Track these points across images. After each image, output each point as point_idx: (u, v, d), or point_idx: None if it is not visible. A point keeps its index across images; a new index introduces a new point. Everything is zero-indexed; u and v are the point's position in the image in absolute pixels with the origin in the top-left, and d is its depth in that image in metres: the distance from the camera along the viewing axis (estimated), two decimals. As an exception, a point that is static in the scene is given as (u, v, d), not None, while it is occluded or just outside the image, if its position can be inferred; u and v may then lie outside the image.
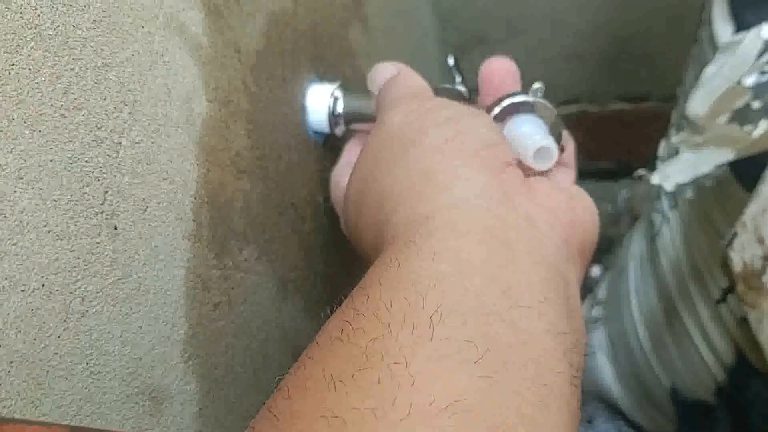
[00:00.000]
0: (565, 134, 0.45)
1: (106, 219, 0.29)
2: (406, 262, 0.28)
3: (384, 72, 0.46)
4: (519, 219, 0.32)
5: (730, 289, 0.69)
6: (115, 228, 0.30)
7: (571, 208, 0.35)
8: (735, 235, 0.52)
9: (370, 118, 0.50)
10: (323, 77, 0.53)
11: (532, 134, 0.39)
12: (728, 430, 0.84)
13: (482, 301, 0.27)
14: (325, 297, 0.53)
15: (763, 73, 0.53)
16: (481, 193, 0.32)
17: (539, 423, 0.25)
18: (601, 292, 1.15)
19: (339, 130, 0.50)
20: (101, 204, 0.29)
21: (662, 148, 0.87)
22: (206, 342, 0.36)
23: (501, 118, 0.42)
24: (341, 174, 0.47)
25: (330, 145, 0.53)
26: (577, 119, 1.27)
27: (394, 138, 0.38)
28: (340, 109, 0.49)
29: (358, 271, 0.58)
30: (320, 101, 0.49)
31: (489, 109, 0.42)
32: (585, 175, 1.44)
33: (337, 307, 0.29)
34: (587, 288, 1.25)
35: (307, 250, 0.49)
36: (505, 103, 0.42)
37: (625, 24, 1.06)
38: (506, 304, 0.27)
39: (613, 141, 1.30)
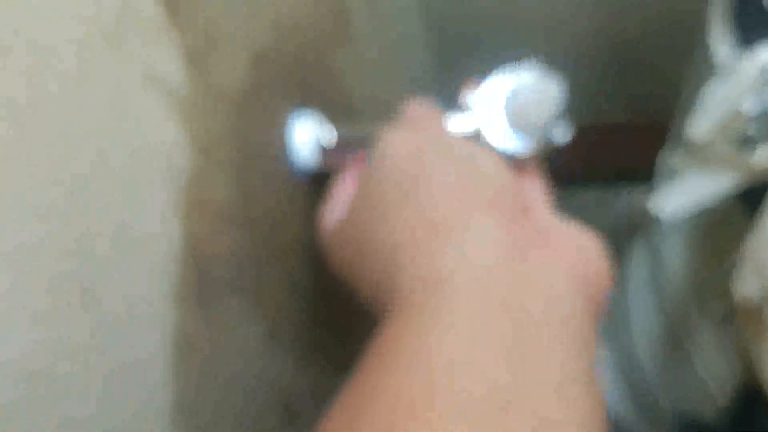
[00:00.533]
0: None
1: (85, 293, 0.29)
2: (419, 340, 0.28)
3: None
4: (537, 281, 0.31)
5: (732, 313, 0.69)
6: (95, 298, 0.29)
7: (585, 257, 0.34)
8: (735, 267, 0.52)
9: (359, 149, 0.50)
10: (309, 110, 0.53)
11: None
12: (733, 453, 0.84)
13: (501, 391, 0.26)
14: (315, 343, 0.53)
15: (762, 98, 0.53)
16: (497, 249, 0.31)
17: None
18: (602, 306, 1.16)
19: (328, 165, 0.50)
20: (80, 277, 0.28)
21: (661, 163, 0.87)
22: (194, 404, 0.36)
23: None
24: (331, 212, 0.47)
25: (319, 182, 0.53)
26: (575, 130, 1.27)
27: (395, 175, 0.37)
28: (327, 142, 0.49)
29: (349, 313, 0.58)
30: (306, 137, 0.49)
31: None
32: (585, 185, 1.45)
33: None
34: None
35: (297, 295, 0.49)
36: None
37: (623, 30, 1.06)
38: (526, 392, 0.26)
39: (612, 153, 1.31)
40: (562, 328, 0.30)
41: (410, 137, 0.39)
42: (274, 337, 0.46)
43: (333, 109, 0.59)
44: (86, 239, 0.29)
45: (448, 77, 1.18)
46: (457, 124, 0.46)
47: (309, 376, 0.51)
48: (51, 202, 0.27)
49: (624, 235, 1.35)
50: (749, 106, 0.52)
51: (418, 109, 0.42)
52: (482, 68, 1.17)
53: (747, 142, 0.53)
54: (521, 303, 0.29)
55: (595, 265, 0.34)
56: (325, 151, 0.50)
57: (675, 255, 0.80)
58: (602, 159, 1.32)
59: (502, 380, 0.26)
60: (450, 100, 1.18)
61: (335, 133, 0.49)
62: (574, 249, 0.34)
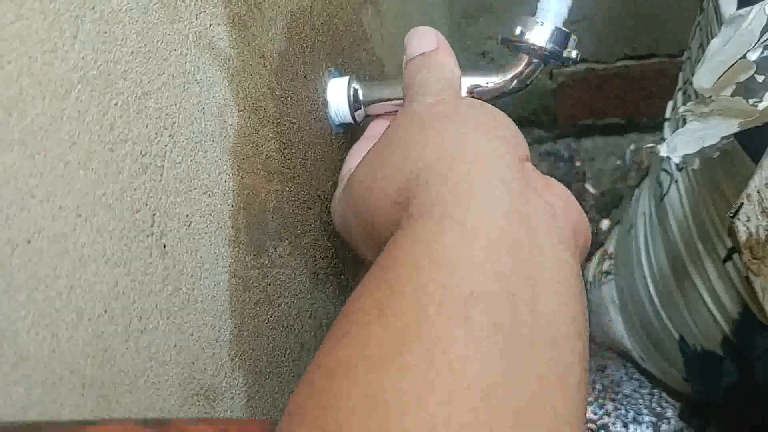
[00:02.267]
0: None
1: (156, 240, 0.30)
2: (440, 240, 0.28)
3: (421, 40, 0.44)
4: (540, 203, 0.32)
5: (735, 250, 0.70)
6: (164, 247, 0.31)
7: (576, 209, 0.35)
8: (741, 205, 0.52)
9: (389, 107, 0.51)
10: (341, 68, 0.53)
11: None
12: (734, 379, 0.86)
13: (510, 284, 0.27)
14: (353, 282, 0.54)
15: (767, 47, 0.53)
16: (511, 172, 0.32)
17: (559, 401, 0.26)
18: (611, 246, 1.16)
19: (360, 119, 0.51)
20: (151, 227, 0.30)
21: (669, 111, 0.86)
22: (249, 338, 0.38)
23: None
24: (357, 150, 0.47)
25: (351, 135, 0.54)
26: (584, 77, 1.26)
27: (424, 114, 0.37)
28: (360, 98, 0.50)
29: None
30: (340, 94, 0.50)
31: None
32: (593, 131, 1.44)
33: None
34: (597, 243, 1.27)
35: (334, 238, 0.51)
36: None
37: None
38: (530, 288, 0.28)
39: (620, 97, 1.30)
40: (560, 245, 0.31)
41: (439, 96, 0.39)
42: (316, 277, 0.47)
43: (363, 68, 0.59)
44: (156, 192, 0.30)
45: (468, 39, 1.18)
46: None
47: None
48: (123, 158, 0.28)
49: (632, 179, 1.34)
50: (756, 54, 0.51)
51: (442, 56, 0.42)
52: (498, 29, 1.16)
53: (754, 90, 0.53)
54: (529, 219, 0.30)
55: (581, 217, 0.35)
56: (357, 108, 0.50)
57: (681, 197, 0.81)
58: (612, 104, 1.31)
59: (513, 280, 0.27)
60: (469, 56, 1.18)
61: (366, 90, 0.50)
62: (567, 198, 0.35)
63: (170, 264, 0.31)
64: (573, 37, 0.46)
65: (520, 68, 0.46)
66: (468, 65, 1.17)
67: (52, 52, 0.25)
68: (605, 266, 1.15)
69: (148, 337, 0.29)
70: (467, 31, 1.13)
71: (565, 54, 0.46)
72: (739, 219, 0.52)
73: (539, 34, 0.45)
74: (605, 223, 1.29)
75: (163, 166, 0.31)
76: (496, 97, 0.46)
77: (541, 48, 0.45)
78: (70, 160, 0.26)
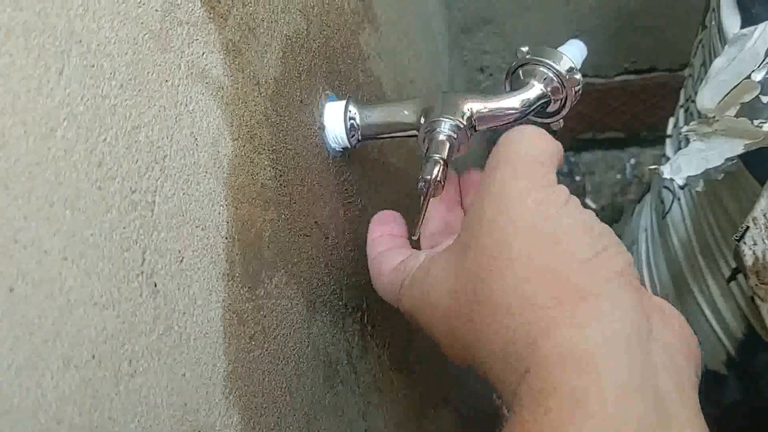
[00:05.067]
0: None
1: (147, 279, 0.29)
2: (575, 424, 0.27)
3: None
4: (663, 357, 0.31)
5: (740, 270, 0.69)
6: (155, 285, 0.30)
7: (687, 332, 0.33)
8: (746, 229, 0.52)
9: (386, 129, 0.50)
10: (338, 90, 0.53)
11: None
12: (737, 397, 0.85)
13: None
14: (350, 306, 0.53)
15: (772, 68, 0.52)
16: (632, 322, 0.30)
17: None
18: (612, 261, 1.15)
19: (357, 143, 0.50)
20: (141, 265, 0.29)
21: (670, 127, 0.86)
22: (245, 374, 0.37)
23: None
24: (402, 258, 0.43)
25: (348, 158, 0.53)
26: (584, 91, 1.26)
27: (524, 230, 0.33)
28: (357, 122, 0.49)
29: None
30: (337, 118, 0.49)
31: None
32: (593, 145, 1.44)
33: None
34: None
35: (331, 264, 0.50)
36: None
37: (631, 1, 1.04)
38: None
39: (620, 111, 1.29)
40: (687, 401, 0.30)
41: (536, 191, 0.34)
42: (313, 305, 0.46)
43: (360, 88, 0.59)
44: (146, 229, 0.29)
45: (466, 53, 1.18)
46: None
47: (345, 336, 0.52)
48: (111, 196, 0.28)
49: (632, 193, 1.34)
50: (761, 74, 0.51)
51: (528, 154, 0.36)
52: (497, 44, 1.16)
53: (758, 111, 0.52)
54: (655, 382, 0.29)
55: (692, 339, 0.34)
56: (354, 131, 0.50)
57: (683, 215, 0.80)
58: (612, 118, 1.30)
59: None
60: (468, 70, 1.17)
61: (363, 114, 0.49)
62: (679, 325, 0.34)
63: (161, 303, 0.30)
64: (571, 102, 0.47)
65: (530, 96, 0.46)
66: (466, 81, 1.16)
67: (36, 89, 0.24)
68: (607, 282, 1.15)
69: (138, 380, 0.28)
70: (466, 46, 1.13)
71: (560, 115, 0.47)
72: (745, 243, 0.52)
73: (564, 63, 0.46)
74: (606, 238, 1.28)
75: (154, 201, 0.30)
76: (497, 124, 0.46)
77: (558, 75, 0.45)
78: (55, 200, 0.25)
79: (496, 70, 1.19)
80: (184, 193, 0.33)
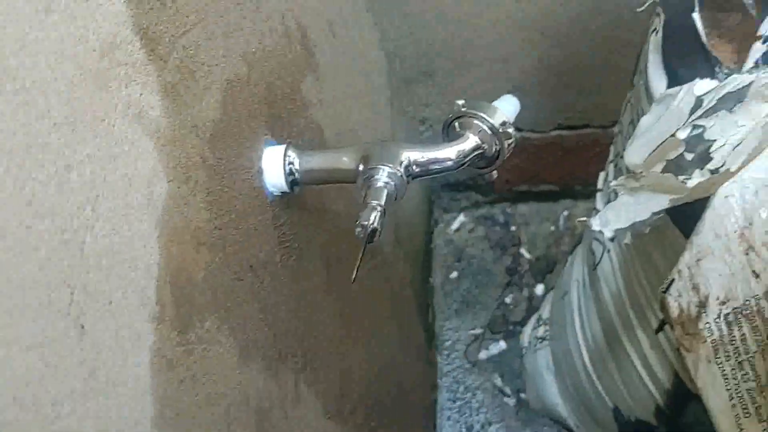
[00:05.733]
0: None
1: (74, 320, 0.29)
2: None
3: None
4: None
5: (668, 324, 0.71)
6: (83, 327, 0.29)
7: None
8: (672, 281, 0.54)
9: (325, 175, 0.51)
10: (279, 136, 0.53)
11: None
12: (668, 448, 0.87)
13: None
14: (284, 353, 0.53)
15: (695, 126, 0.55)
16: None
17: None
18: (546, 311, 1.18)
19: (295, 188, 0.51)
20: (69, 306, 0.28)
21: (601, 181, 0.89)
22: (173, 420, 0.36)
23: None
24: None
25: (286, 203, 0.54)
26: (520, 145, 1.30)
27: None
28: (296, 167, 0.50)
29: (311, 319, 0.59)
30: (276, 162, 0.50)
31: None
32: (528, 197, 1.47)
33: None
34: (533, 308, 1.28)
35: (266, 309, 0.50)
36: None
37: (565, 59, 1.09)
38: None
39: (554, 165, 1.33)
40: None
41: None
42: (246, 352, 0.46)
43: (301, 135, 0.59)
44: (75, 270, 0.29)
45: (407, 105, 1.20)
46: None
47: (277, 383, 0.51)
48: (40, 236, 0.27)
49: (566, 244, 1.38)
50: (685, 132, 0.54)
51: None
52: (437, 97, 1.19)
53: (683, 167, 0.55)
54: None
55: None
56: (292, 176, 0.50)
57: (613, 267, 0.83)
58: (547, 171, 1.34)
59: None
60: (408, 121, 1.19)
61: (302, 159, 0.50)
62: None
63: (88, 345, 0.30)
64: (504, 154, 0.49)
65: (465, 147, 0.48)
66: (407, 131, 1.18)
67: (-33, 123, 0.24)
68: (540, 332, 1.17)
69: (62, 423, 0.28)
70: (407, 98, 1.15)
71: (494, 166, 0.50)
72: (670, 294, 0.54)
73: (498, 116, 0.48)
74: (540, 288, 1.31)
75: (84, 241, 0.30)
76: (433, 173, 0.47)
77: (492, 128, 0.47)
78: (-20, 238, 0.24)
79: (436, 122, 1.22)
80: (116, 234, 0.32)
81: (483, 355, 1.27)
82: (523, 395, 1.23)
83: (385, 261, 0.97)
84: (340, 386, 0.69)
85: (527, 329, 1.22)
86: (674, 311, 0.54)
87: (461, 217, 1.43)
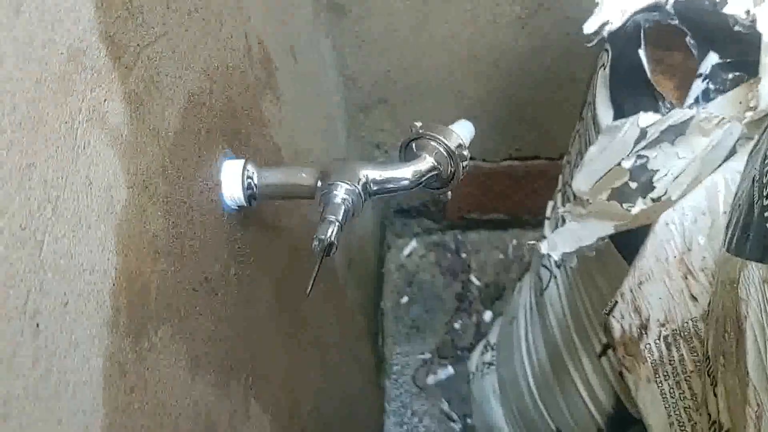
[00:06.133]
0: None
1: (29, 319, 0.29)
2: None
3: None
4: None
5: (610, 345, 0.73)
6: (38, 326, 0.29)
7: None
8: (615, 303, 0.56)
9: (284, 190, 0.51)
10: (238, 151, 0.54)
11: None
12: (609, 472, 0.88)
13: None
14: (236, 368, 0.53)
15: (639, 157, 0.58)
16: None
17: None
18: (494, 337, 1.20)
19: (253, 202, 0.51)
20: (24, 304, 0.28)
21: (549, 210, 0.92)
22: (122, 427, 0.36)
23: None
24: None
25: (243, 217, 0.54)
26: (472, 173, 1.32)
27: None
28: (255, 182, 0.50)
29: (262, 336, 0.59)
30: (234, 176, 0.50)
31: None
32: (479, 225, 1.49)
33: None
34: (480, 334, 1.30)
35: (218, 323, 0.50)
36: None
37: (517, 91, 1.12)
38: None
39: (504, 194, 1.36)
40: None
41: None
42: (197, 363, 0.46)
43: (260, 152, 0.60)
44: (33, 268, 0.29)
45: (362, 130, 1.22)
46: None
47: (228, 398, 0.51)
48: (0, 232, 0.27)
49: (514, 272, 1.40)
50: (630, 162, 0.56)
51: None
52: (392, 123, 1.21)
53: (628, 195, 0.57)
54: None
55: None
56: (250, 190, 0.51)
57: (559, 293, 0.85)
58: (497, 200, 1.37)
59: None
60: (363, 146, 1.21)
61: (260, 174, 0.51)
62: None
63: (42, 345, 0.30)
64: (459, 176, 0.51)
65: (422, 167, 0.49)
66: (362, 155, 1.19)
67: (-68, 116, 0.24)
68: (488, 357, 1.18)
69: (12, 423, 0.27)
70: (363, 123, 1.17)
71: (448, 187, 0.51)
72: (613, 316, 0.56)
73: (454, 139, 0.49)
74: (488, 314, 1.33)
75: (43, 240, 0.30)
76: (389, 191, 0.48)
77: (448, 151, 0.49)
78: (-60, 230, 0.24)
79: (390, 147, 1.24)
80: (74, 236, 0.32)
81: (431, 380, 1.28)
82: (469, 420, 1.24)
83: (337, 284, 0.97)
84: (290, 406, 0.69)
85: (475, 354, 1.23)
86: (617, 332, 0.56)
87: (413, 243, 1.45)
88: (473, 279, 1.38)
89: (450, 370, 1.28)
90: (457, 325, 1.32)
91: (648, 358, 0.53)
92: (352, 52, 1.04)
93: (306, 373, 0.77)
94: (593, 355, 0.78)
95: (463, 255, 1.42)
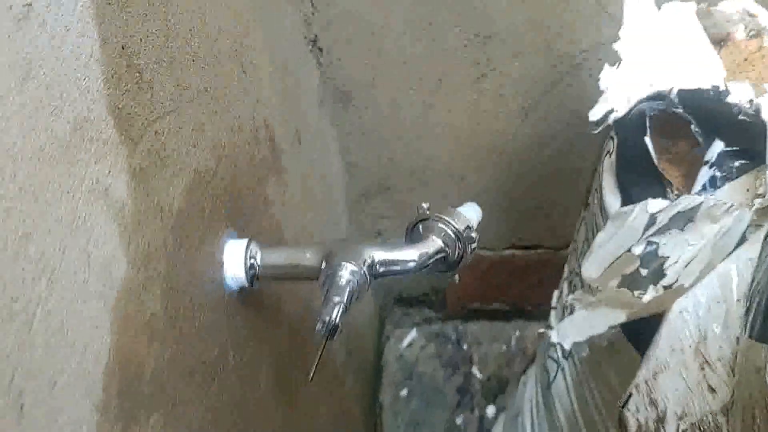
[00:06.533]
0: None
1: (14, 400, 0.26)
2: None
3: None
4: None
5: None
6: (22, 408, 0.27)
7: None
8: (630, 396, 0.53)
9: (287, 271, 0.50)
10: (240, 230, 0.52)
11: None
12: None
13: None
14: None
15: (649, 243, 0.56)
16: None
17: None
18: (497, 433, 1.15)
19: (256, 283, 0.50)
20: (9, 384, 0.26)
21: (555, 299, 0.90)
22: None
23: None
24: None
25: (243, 299, 0.52)
26: (473, 263, 1.31)
27: None
28: (258, 263, 0.49)
29: (261, 428, 0.56)
30: (237, 256, 0.49)
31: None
32: (480, 315, 1.46)
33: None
34: (484, 429, 1.25)
35: (214, 410, 0.47)
36: None
37: (519, 180, 1.12)
38: None
39: (506, 284, 1.34)
40: None
41: None
42: (190, 455, 0.43)
43: (262, 231, 0.59)
44: (21, 345, 0.27)
45: (363, 216, 1.22)
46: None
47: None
48: (-11, 304, 0.25)
49: (517, 364, 1.36)
50: (640, 248, 0.55)
51: None
52: (394, 210, 1.20)
53: (638, 283, 0.56)
54: None
55: None
56: (253, 271, 0.49)
57: (567, 385, 0.82)
58: (498, 290, 1.35)
59: None
60: (363, 234, 1.19)
61: (264, 255, 0.49)
62: None
63: (25, 428, 0.27)
64: (467, 258, 0.49)
65: (429, 249, 0.48)
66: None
67: (-73, 179, 0.23)
68: (491, 455, 1.13)
69: None
70: (364, 209, 1.16)
71: (455, 270, 0.50)
72: (628, 409, 0.53)
73: (462, 221, 0.48)
74: (491, 409, 1.28)
75: (34, 314, 0.28)
76: (395, 273, 0.47)
77: (456, 233, 0.48)
78: (-75, 299, 0.23)
79: (391, 234, 1.23)
80: (67, 312, 0.31)
81: (431, 478, 1.22)
82: None
83: (336, 375, 0.94)
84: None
85: (477, 452, 1.18)
86: (632, 427, 0.53)
87: (413, 333, 1.42)
88: (475, 372, 1.34)
89: (451, 468, 1.22)
90: (458, 421, 1.27)
91: (667, 455, 0.50)
92: (356, 139, 1.04)
93: (302, 469, 0.73)
94: (604, 451, 0.74)
95: (465, 347, 1.39)
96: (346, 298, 0.44)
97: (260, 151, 0.61)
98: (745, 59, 0.69)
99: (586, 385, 0.76)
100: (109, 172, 0.35)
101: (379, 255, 0.47)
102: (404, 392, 1.34)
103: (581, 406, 0.78)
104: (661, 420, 0.51)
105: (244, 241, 0.49)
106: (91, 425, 0.32)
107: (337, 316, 0.42)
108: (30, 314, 0.28)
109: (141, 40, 0.38)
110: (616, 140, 0.65)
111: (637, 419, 0.52)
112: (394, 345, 1.41)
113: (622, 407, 0.54)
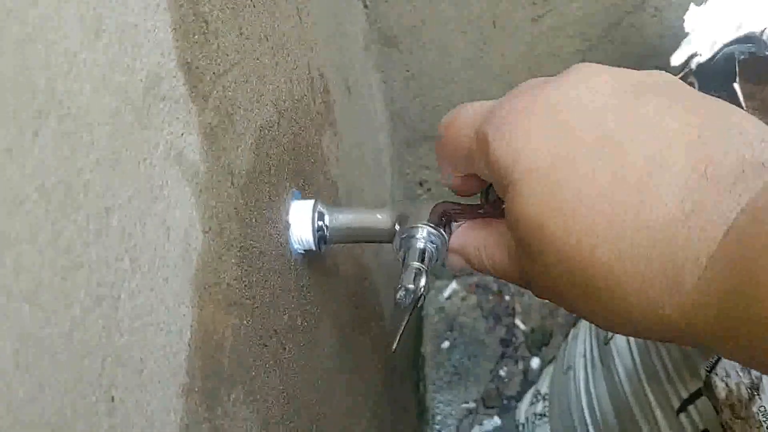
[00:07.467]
0: None
1: (104, 392, 0.24)
2: None
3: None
4: None
5: (691, 399, 0.68)
6: (113, 400, 0.25)
7: None
8: (718, 359, 0.50)
9: (357, 233, 0.47)
10: (302, 190, 0.50)
11: None
12: None
13: None
14: (306, 427, 0.48)
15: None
16: None
17: None
18: (544, 386, 1.13)
19: (323, 245, 0.47)
20: (99, 376, 0.24)
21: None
22: None
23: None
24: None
25: (307, 262, 0.50)
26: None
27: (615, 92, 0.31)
28: (326, 223, 0.46)
29: (327, 391, 0.54)
30: (304, 217, 0.46)
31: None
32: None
33: None
34: (529, 381, 1.24)
35: (287, 379, 0.45)
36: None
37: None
38: None
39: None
40: None
41: (607, 72, 0.32)
42: (266, 427, 0.41)
43: (321, 190, 0.56)
44: (109, 331, 0.25)
45: (407, 166, 1.18)
46: None
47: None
48: (75, 290, 0.23)
49: (561, 316, 1.34)
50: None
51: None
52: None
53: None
54: None
55: None
56: (321, 233, 0.46)
57: (629, 342, 0.79)
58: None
59: None
60: (407, 183, 1.17)
61: (332, 216, 0.46)
62: None
63: (117, 422, 0.25)
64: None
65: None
66: (404, 192, 1.15)
67: (6, 151, 0.20)
68: (539, 408, 1.12)
69: None
70: (408, 159, 1.13)
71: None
72: (716, 374, 0.50)
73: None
74: (536, 361, 1.27)
75: (119, 297, 0.26)
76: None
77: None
78: (13, 292, 0.20)
79: (434, 185, 1.20)
80: (151, 290, 0.28)
81: (476, 431, 1.21)
82: (518, 475, 1.18)
83: (384, 331, 0.92)
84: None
85: (524, 405, 1.17)
86: (721, 392, 0.50)
87: (453, 285, 1.40)
88: (518, 323, 1.32)
89: (497, 420, 1.21)
90: (502, 372, 1.26)
91: (763, 422, 0.47)
92: (401, 85, 1.00)
93: (358, 424, 0.72)
94: (670, 411, 0.72)
95: (507, 297, 1.36)
96: (426, 262, 0.41)
97: (316, 103, 0.57)
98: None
99: (652, 342, 0.73)
100: (182, 134, 0.32)
101: (450, 207, 0.44)
102: (446, 344, 1.33)
103: (644, 363, 0.75)
104: (755, 386, 0.48)
105: (310, 201, 0.46)
106: (177, 412, 0.30)
107: (420, 282, 0.39)
108: (115, 296, 0.25)
109: (206, -16, 0.35)
110: (696, 86, 0.61)
111: (727, 384, 0.50)
112: (434, 296, 1.39)
113: (710, 371, 0.51)
